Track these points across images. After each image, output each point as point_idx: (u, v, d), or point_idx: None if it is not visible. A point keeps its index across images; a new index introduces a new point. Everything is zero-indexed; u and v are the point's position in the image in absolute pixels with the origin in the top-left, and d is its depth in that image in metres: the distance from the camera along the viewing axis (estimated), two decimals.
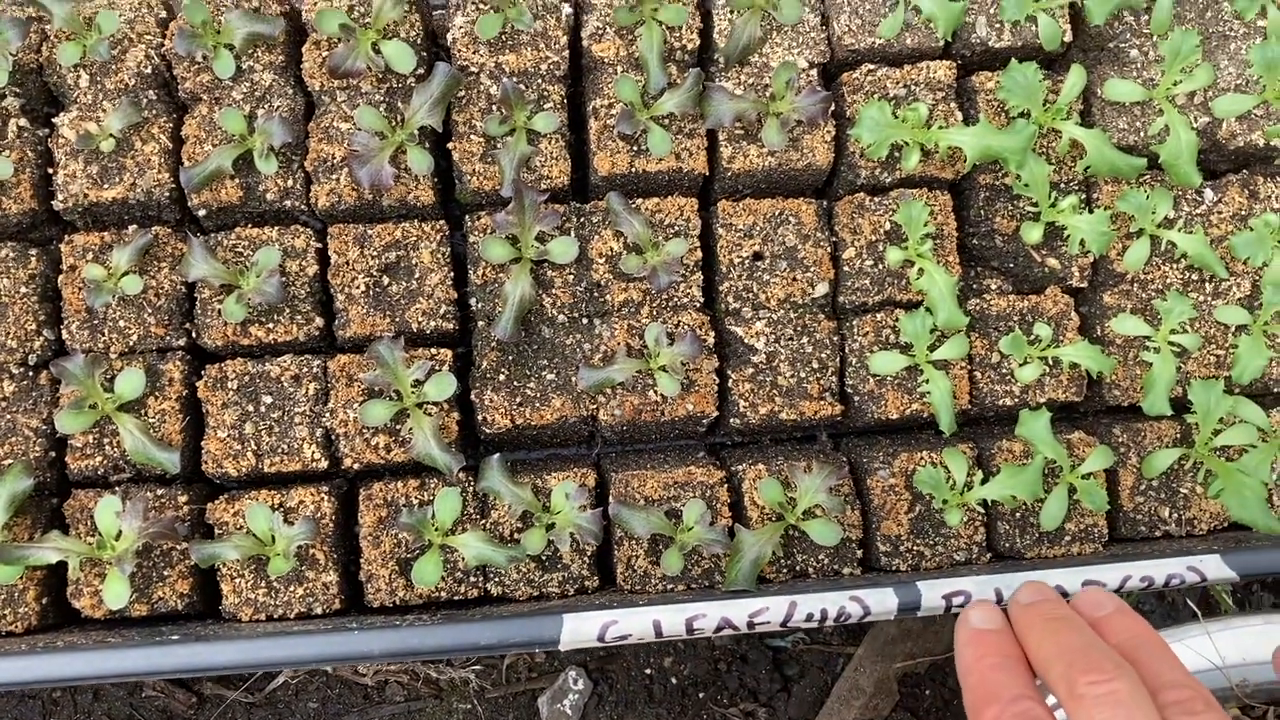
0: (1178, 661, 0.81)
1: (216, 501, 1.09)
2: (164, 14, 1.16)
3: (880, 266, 1.14)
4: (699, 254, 1.15)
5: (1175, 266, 1.17)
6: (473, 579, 1.10)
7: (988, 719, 0.78)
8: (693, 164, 1.14)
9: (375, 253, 1.12)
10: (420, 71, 1.13)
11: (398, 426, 1.11)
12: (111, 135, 1.11)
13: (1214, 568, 1.07)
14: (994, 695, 0.79)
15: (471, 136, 1.13)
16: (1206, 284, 1.17)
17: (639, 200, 1.14)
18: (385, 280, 1.12)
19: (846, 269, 1.15)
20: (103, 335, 1.10)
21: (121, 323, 1.11)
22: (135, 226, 1.12)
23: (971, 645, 0.85)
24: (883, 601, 1.03)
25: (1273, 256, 1.15)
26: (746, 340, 1.14)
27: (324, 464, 1.11)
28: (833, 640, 1.49)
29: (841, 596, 1.04)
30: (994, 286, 1.19)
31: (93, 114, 1.12)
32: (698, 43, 1.15)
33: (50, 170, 1.12)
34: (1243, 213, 1.17)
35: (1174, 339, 1.15)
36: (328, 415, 1.11)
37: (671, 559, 1.08)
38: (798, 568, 1.12)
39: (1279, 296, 1.15)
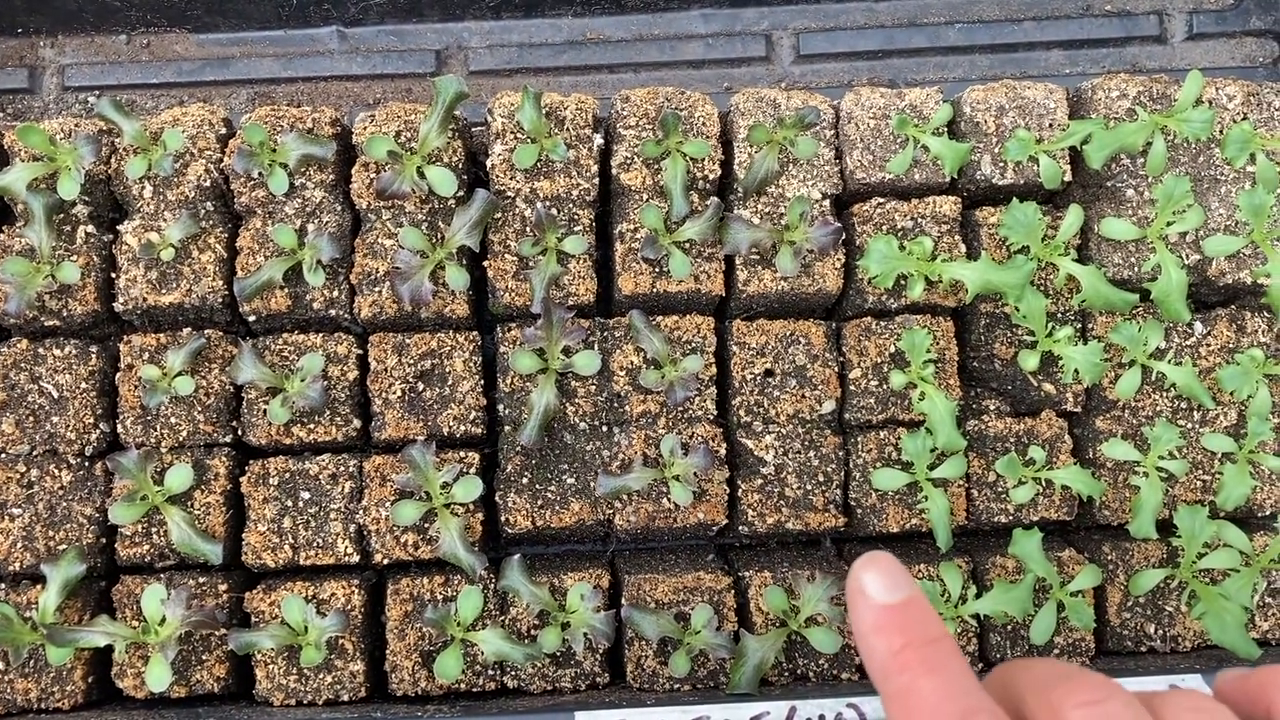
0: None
1: (254, 591, 1.16)
2: (224, 130, 1.25)
3: (884, 387, 1.21)
4: (714, 370, 1.22)
5: (1165, 395, 1.24)
6: (490, 672, 1.17)
7: None
8: (710, 286, 1.22)
9: (412, 360, 1.20)
10: (460, 194, 1.21)
11: (426, 525, 1.18)
12: (171, 245, 1.19)
13: (1195, 687, 1.12)
14: (931, 713, 0.60)
15: (506, 256, 1.21)
16: (1194, 412, 1.24)
17: (659, 317, 1.22)
18: (420, 386, 1.20)
19: (852, 388, 1.22)
20: (155, 430, 1.18)
21: (173, 419, 1.19)
22: (189, 329, 1.20)
23: (882, 633, 0.63)
24: (878, 709, 1.09)
25: (1257, 389, 1.22)
26: (756, 453, 1.21)
27: (355, 558, 1.18)
28: None
29: (839, 703, 1.10)
30: (992, 408, 1.26)
31: (154, 223, 1.21)
32: (719, 173, 1.23)
33: (113, 274, 1.21)
34: (1230, 345, 1.24)
35: (1162, 464, 1.21)
36: (361, 512, 1.18)
37: (679, 661, 1.15)
38: (799, 671, 1.18)
39: (1263, 427, 1.21)
